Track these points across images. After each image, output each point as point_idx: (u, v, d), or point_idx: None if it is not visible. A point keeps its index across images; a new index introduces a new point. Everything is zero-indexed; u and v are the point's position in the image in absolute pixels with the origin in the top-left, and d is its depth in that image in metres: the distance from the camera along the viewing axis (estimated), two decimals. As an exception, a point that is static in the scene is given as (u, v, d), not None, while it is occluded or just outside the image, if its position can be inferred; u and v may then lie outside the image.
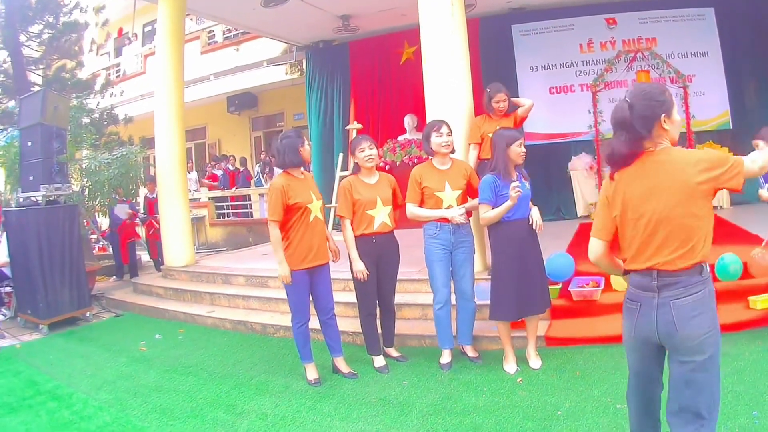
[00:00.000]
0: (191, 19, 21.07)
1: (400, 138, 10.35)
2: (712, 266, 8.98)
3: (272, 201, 7.35)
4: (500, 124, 8.95)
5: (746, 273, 9.10)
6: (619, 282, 9.06)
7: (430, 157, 7.87)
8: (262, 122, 27.28)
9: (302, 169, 7.71)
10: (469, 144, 9.44)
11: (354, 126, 14.14)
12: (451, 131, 7.78)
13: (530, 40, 18.33)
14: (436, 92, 9.81)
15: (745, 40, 16.81)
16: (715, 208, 15.78)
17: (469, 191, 7.81)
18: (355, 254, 7.69)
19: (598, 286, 9.06)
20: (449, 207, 7.58)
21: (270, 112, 26.72)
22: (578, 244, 12.13)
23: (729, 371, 6.59)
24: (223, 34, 24.39)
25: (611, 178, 3.99)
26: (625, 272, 4.05)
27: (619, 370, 6.79)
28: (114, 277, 16.22)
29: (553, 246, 10.66)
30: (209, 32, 24.83)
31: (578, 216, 17.27)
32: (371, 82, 19.26)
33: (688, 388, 3.79)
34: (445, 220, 7.53)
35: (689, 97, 16.97)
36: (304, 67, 21.01)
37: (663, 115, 3.82)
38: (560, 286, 9.31)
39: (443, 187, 7.60)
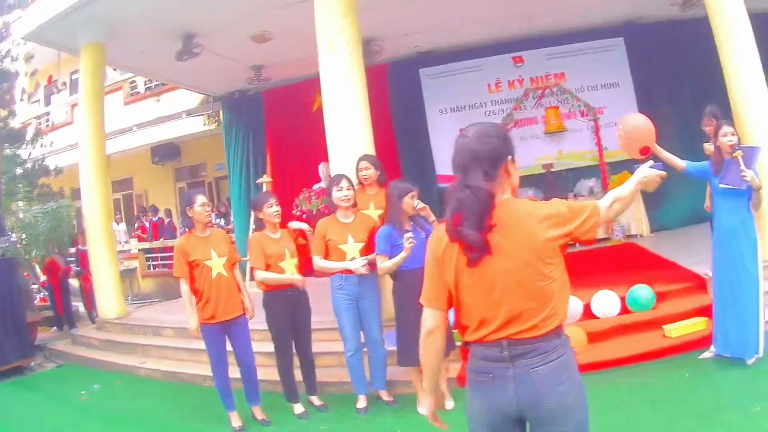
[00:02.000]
0: (114, 69, 21.40)
1: (315, 186, 10.84)
2: (587, 305, 9.77)
3: (175, 258, 7.84)
4: (372, 200, 8.95)
5: (659, 302, 9.66)
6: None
7: (336, 211, 8.24)
8: (185, 173, 27.42)
9: (210, 225, 8.22)
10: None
11: (264, 179, 14.61)
12: (351, 185, 8.22)
13: (438, 83, 18.94)
14: (337, 142, 10.36)
15: (656, 69, 17.47)
16: (634, 236, 16.28)
17: (372, 244, 8.01)
18: (287, 280, 8.05)
19: None
20: (352, 259, 7.90)
21: (193, 162, 26.69)
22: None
23: (644, 400, 7.24)
24: (145, 84, 24.41)
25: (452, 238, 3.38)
26: (465, 343, 3.55)
27: None
28: (55, 327, 16.46)
29: None
30: (131, 83, 24.93)
31: None
32: (286, 130, 19.59)
33: None
34: (349, 271, 7.86)
35: (600, 129, 17.58)
36: (221, 117, 21.45)
37: (509, 156, 3.47)
38: None
39: (346, 239, 7.97)
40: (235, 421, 7.97)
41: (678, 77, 17.08)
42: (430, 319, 3.53)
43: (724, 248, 8.10)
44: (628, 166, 16.72)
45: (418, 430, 7.05)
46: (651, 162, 3.85)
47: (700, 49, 11.09)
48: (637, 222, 17.07)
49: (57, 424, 8.83)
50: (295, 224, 8.75)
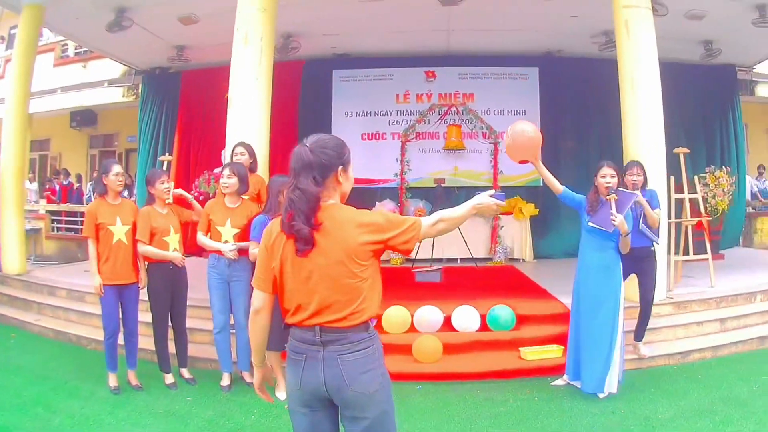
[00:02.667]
0: (50, 30, 21.08)
1: (216, 170, 11.35)
2: (448, 318, 10.23)
3: (85, 219, 8.43)
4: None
5: (520, 324, 10.14)
6: (390, 324, 10.06)
7: (224, 194, 8.76)
8: (99, 141, 27.25)
9: (122, 195, 8.74)
10: None
11: (166, 157, 14.57)
12: (234, 174, 8.65)
13: (350, 86, 19.32)
14: (235, 132, 10.80)
15: (566, 101, 18.08)
16: (516, 260, 16.78)
17: (248, 231, 8.51)
18: (167, 257, 8.49)
19: None
20: (226, 242, 8.44)
21: (107, 131, 26.54)
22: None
23: (488, 415, 7.63)
24: (75, 49, 24.16)
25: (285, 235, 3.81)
26: (286, 326, 3.95)
27: None
28: None
29: None
30: (63, 45, 24.65)
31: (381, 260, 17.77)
32: (197, 112, 19.65)
33: None
34: (221, 252, 8.40)
35: (499, 153, 17.92)
36: (139, 91, 21.38)
37: (340, 167, 3.89)
38: None
39: (225, 222, 8.50)
40: (112, 382, 8.44)
41: (586, 113, 17.68)
42: (257, 299, 3.96)
43: (586, 285, 8.41)
44: (520, 191, 17.82)
45: (272, 411, 7.56)
46: (492, 191, 4.34)
47: (612, 90, 11.45)
48: (521, 247, 17.56)
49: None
50: (179, 191, 9.32)
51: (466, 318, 10.19)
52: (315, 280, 3.73)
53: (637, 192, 8.70)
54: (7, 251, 14.42)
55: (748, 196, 20.71)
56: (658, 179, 10.52)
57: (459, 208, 4.20)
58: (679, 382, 8.61)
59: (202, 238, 8.62)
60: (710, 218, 13.36)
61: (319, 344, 3.73)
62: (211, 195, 12.64)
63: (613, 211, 7.91)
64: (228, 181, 8.61)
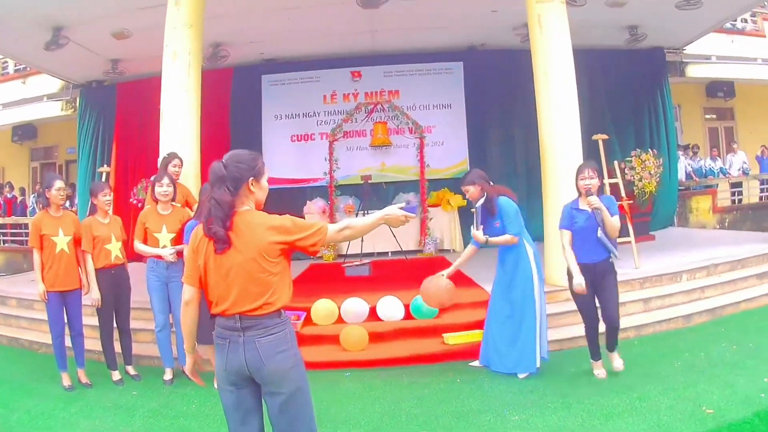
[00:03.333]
0: None
1: (153, 178, 11.73)
2: (373, 308, 10.82)
3: (30, 231, 9.04)
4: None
5: (443, 312, 10.55)
6: (318, 316, 10.64)
7: (154, 202, 9.38)
8: (40, 153, 27.32)
9: (63, 207, 9.20)
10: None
11: (104, 169, 15.12)
12: (171, 183, 9.34)
13: (278, 89, 20.04)
14: (168, 142, 11.28)
15: (491, 93, 18.61)
16: (447, 251, 17.38)
17: (182, 234, 9.13)
18: (94, 284, 9.08)
19: (299, 319, 10.48)
20: (164, 247, 9.04)
21: (48, 144, 26.65)
22: (301, 282, 13.70)
23: (411, 397, 8.08)
24: (15, 66, 24.40)
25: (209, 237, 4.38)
26: (212, 315, 4.49)
27: (312, 392, 8.04)
28: None
29: None
30: (3, 63, 24.91)
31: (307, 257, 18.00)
32: (133, 122, 19.81)
33: (283, 417, 4.34)
34: (160, 257, 9.00)
35: (425, 147, 18.55)
36: (77, 104, 21.67)
37: (251, 178, 4.43)
38: None
39: (161, 229, 9.09)
40: (66, 381, 9.01)
41: (511, 103, 18.02)
42: (187, 293, 4.53)
43: (501, 274, 9.06)
44: (447, 183, 18.32)
45: (211, 400, 8.10)
46: (404, 204, 4.77)
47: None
48: (450, 238, 18.06)
49: None
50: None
51: (391, 308, 10.74)
52: (233, 276, 4.30)
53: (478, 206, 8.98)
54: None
55: (682, 176, 21.15)
56: (575, 168, 10.76)
57: (367, 218, 4.71)
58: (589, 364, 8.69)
59: (140, 246, 9.13)
60: (631, 201, 13.78)
61: (240, 330, 4.30)
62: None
63: (473, 227, 9.09)
64: (167, 189, 9.20)
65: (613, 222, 8.03)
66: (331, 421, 7.36)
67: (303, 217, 17.10)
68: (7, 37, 15.75)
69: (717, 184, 21.53)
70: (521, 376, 8.58)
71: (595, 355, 8.52)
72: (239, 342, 4.31)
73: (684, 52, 20.79)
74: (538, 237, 10.62)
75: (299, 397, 4.40)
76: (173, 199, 9.50)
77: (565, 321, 10.49)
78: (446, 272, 9.15)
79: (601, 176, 8.78)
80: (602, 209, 7.99)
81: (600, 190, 8.51)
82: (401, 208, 4.67)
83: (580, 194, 8.32)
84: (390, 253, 17.64)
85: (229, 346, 4.35)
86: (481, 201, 8.94)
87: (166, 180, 9.28)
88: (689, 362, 8.62)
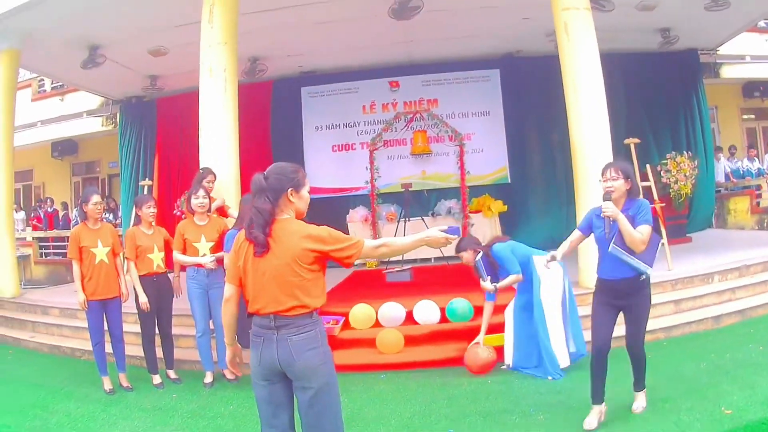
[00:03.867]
0: (27, 70, 21.05)
1: (188, 191, 11.93)
2: (410, 312, 10.89)
3: (69, 243, 9.33)
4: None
5: (477, 315, 10.43)
6: (356, 320, 10.78)
7: (191, 214, 9.74)
8: (82, 168, 27.56)
9: (101, 220, 9.59)
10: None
11: (147, 182, 15.42)
12: (207, 195, 9.70)
13: (317, 101, 20.14)
14: (208, 156, 11.59)
15: (528, 99, 18.45)
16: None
17: (222, 242, 9.53)
18: (140, 289, 9.38)
19: (338, 324, 10.63)
20: (204, 255, 9.39)
21: (89, 158, 27.47)
22: (343, 288, 13.86)
23: (442, 397, 8.28)
24: (52, 83, 24.52)
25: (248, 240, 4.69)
26: (249, 314, 4.79)
27: (347, 393, 8.37)
28: None
29: None
30: (40, 81, 25.10)
31: (354, 264, 18.04)
32: (174, 136, 20.27)
33: (311, 410, 4.58)
34: (201, 265, 9.36)
35: (465, 155, 18.56)
36: (117, 119, 22.22)
37: (290, 189, 4.71)
38: None
39: (200, 239, 9.45)
40: (107, 385, 9.33)
41: (549, 109, 17.37)
42: (228, 290, 4.88)
43: (526, 289, 9.21)
44: (488, 190, 18.25)
45: (249, 402, 8.26)
46: (446, 227, 4.93)
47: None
48: None
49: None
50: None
51: (427, 311, 10.82)
52: (268, 278, 4.58)
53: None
54: (2, 277, 15.16)
55: (720, 178, 20.92)
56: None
57: (407, 238, 4.95)
58: (628, 362, 8.16)
59: (179, 256, 9.49)
60: (664, 204, 13.57)
61: (274, 328, 4.59)
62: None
63: (482, 282, 9.27)
64: (203, 201, 9.57)
65: (633, 234, 6.51)
66: (363, 419, 7.60)
67: (346, 226, 18.00)
68: (44, 56, 16.12)
69: (758, 185, 21.07)
70: (550, 378, 8.71)
71: (596, 396, 7.05)
72: (273, 339, 4.60)
73: (718, 52, 20.56)
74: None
75: (327, 392, 4.64)
76: (209, 210, 9.83)
77: None
78: (479, 339, 9.43)
79: (631, 178, 6.82)
80: (618, 218, 6.54)
81: (631, 194, 6.83)
82: (443, 230, 4.84)
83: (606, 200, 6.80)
84: (432, 259, 17.63)
85: (264, 342, 4.65)
86: (480, 256, 9.28)
87: (201, 192, 9.64)
88: (715, 363, 8.57)
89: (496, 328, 9.91)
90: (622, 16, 15.09)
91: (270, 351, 4.62)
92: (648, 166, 13.36)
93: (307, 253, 4.59)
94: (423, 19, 14.36)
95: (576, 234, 7.38)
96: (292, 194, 4.73)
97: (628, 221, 6.57)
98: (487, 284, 9.11)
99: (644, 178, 12.90)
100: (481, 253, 9.28)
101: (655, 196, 13.09)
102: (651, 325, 8.98)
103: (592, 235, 7.10)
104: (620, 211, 6.65)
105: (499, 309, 9.83)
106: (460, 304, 10.63)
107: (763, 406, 6.75)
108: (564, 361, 8.89)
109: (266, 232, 4.61)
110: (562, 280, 9.14)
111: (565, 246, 7.48)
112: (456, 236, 4.90)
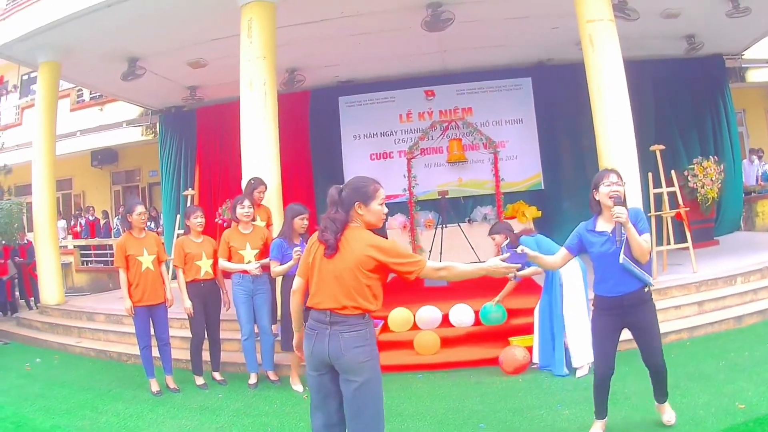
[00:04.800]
0: (67, 82, 20.89)
1: (235, 200, 12.21)
2: (446, 315, 11.28)
3: (116, 252, 9.77)
4: (258, 213, 10.98)
5: (512, 317, 10.88)
6: (395, 323, 11.26)
7: (235, 223, 10.20)
8: (122, 177, 27.89)
9: (146, 229, 10.06)
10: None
11: (190, 192, 15.93)
12: (252, 205, 10.21)
13: (355, 110, 20.38)
14: (250, 166, 11.97)
15: (560, 106, 18.56)
16: None
17: (266, 251, 9.94)
18: (186, 295, 9.86)
19: (377, 327, 10.64)
20: (249, 262, 9.82)
21: (129, 167, 27.91)
22: (386, 292, 14.10)
23: (475, 395, 8.68)
24: (90, 93, 24.88)
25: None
26: (307, 307, 5.24)
27: (386, 391, 8.24)
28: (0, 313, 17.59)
29: None
30: (78, 91, 25.45)
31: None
32: (214, 145, 20.75)
33: (354, 402, 4.95)
34: (246, 271, 9.76)
35: (500, 162, 18.70)
36: (157, 129, 22.67)
37: (358, 202, 5.05)
38: None
39: (245, 246, 9.90)
40: (154, 387, 9.78)
41: (581, 116, 16.73)
42: (296, 282, 5.40)
43: (546, 291, 9.71)
44: (522, 196, 18.35)
45: (291, 401, 9.05)
46: (507, 254, 5.17)
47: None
48: None
49: (6, 387, 10.56)
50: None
51: (462, 314, 11.19)
52: (331, 277, 5.00)
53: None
54: (45, 284, 15.67)
55: (747, 181, 20.78)
56: (632, 180, 11.07)
57: (469, 266, 5.30)
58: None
59: (225, 263, 9.91)
60: (688, 209, 13.70)
61: (328, 324, 4.99)
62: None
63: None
64: (249, 210, 10.06)
65: (641, 243, 6.28)
66: (400, 415, 8.05)
67: (386, 232, 17.61)
68: (83, 69, 16.59)
69: None
70: (578, 376, 9.02)
71: (599, 410, 6.92)
72: (325, 334, 4.98)
73: (743, 57, 20.48)
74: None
75: (370, 387, 4.99)
76: (254, 219, 10.34)
77: None
78: (493, 301, 10.52)
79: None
80: (627, 226, 6.26)
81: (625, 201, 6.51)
82: (503, 260, 5.19)
83: (596, 212, 6.76)
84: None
85: (317, 336, 5.04)
86: (506, 243, 9.75)
87: (247, 202, 10.12)
88: (733, 361, 8.78)
89: (527, 329, 10.29)
90: (648, 24, 15.24)
91: (321, 344, 5.00)
92: (673, 171, 13.32)
93: (369, 260, 4.95)
94: (455, 29, 14.53)
95: (562, 253, 7.07)
96: (359, 207, 5.08)
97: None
98: (528, 250, 8.93)
99: (669, 183, 13.06)
100: (508, 239, 9.75)
101: (680, 201, 13.33)
102: (676, 325, 9.89)
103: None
104: None
105: (529, 312, 10.19)
106: (492, 308, 10.82)
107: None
108: (579, 360, 9.20)
109: (337, 237, 5.02)
110: (582, 281, 9.43)
111: (539, 267, 7.89)
112: (518, 264, 5.19)
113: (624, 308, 6.54)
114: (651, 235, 6.79)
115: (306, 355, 5.23)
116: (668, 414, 6.88)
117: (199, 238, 10.21)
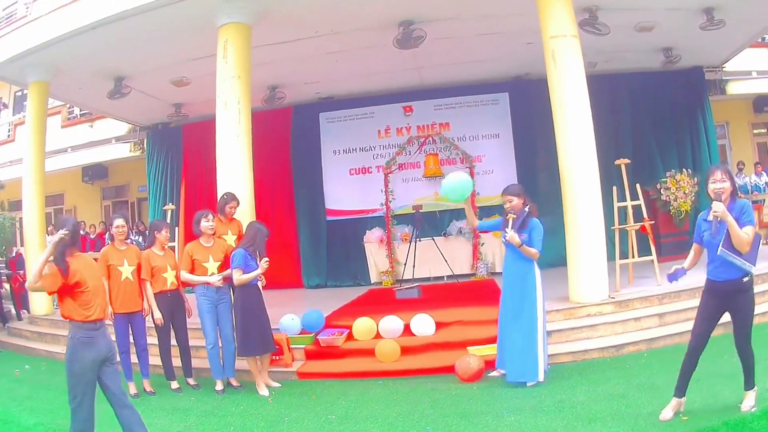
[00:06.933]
0: (56, 99, 21.63)
1: (198, 214, 12.55)
2: (407, 325, 11.74)
3: (99, 261, 10.09)
4: (230, 227, 11.39)
5: (473, 326, 11.31)
6: (359, 332, 11.71)
7: (198, 236, 10.64)
8: (112, 192, 28.15)
9: (126, 242, 10.65)
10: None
11: (169, 207, 16.34)
12: (214, 218, 10.72)
13: (335, 126, 20.71)
14: (225, 183, 12.43)
15: (537, 120, 18.23)
16: (499, 274, 17.21)
17: (227, 262, 10.40)
18: (155, 306, 10.39)
19: (342, 335, 11.58)
20: (212, 274, 10.31)
21: (119, 183, 28.07)
22: (356, 304, 14.70)
23: (428, 401, 9.05)
24: (80, 110, 25.26)
25: None
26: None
27: (345, 396, 9.43)
28: None
29: (336, 305, 13.84)
30: (69, 108, 25.78)
31: (371, 282, 19.26)
32: (200, 161, 20.90)
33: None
34: (209, 283, 10.24)
35: (476, 176, 18.87)
36: (145, 145, 23.14)
37: None
38: (313, 335, 11.80)
39: (208, 259, 10.37)
40: (132, 389, 10.33)
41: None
42: None
43: (508, 290, 9.71)
44: (498, 210, 17.56)
45: (257, 404, 9.52)
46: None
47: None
48: (501, 260, 16.94)
49: (-4, 391, 11.02)
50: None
51: (423, 324, 11.66)
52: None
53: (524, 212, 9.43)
54: (35, 296, 16.09)
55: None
56: (591, 193, 11.61)
57: None
58: (605, 371, 9.48)
59: (188, 275, 10.38)
60: (653, 222, 13.98)
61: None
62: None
63: (508, 228, 9.38)
64: (212, 224, 10.62)
65: (740, 235, 6.69)
66: (355, 418, 8.49)
67: (363, 247, 19.06)
68: (71, 87, 17.12)
69: (764, 200, 20.59)
70: (529, 384, 9.18)
71: (680, 387, 7.35)
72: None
73: (724, 69, 20.76)
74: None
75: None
76: (225, 233, 11.06)
77: (579, 335, 11.12)
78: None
79: (733, 180, 6.90)
80: (726, 219, 6.68)
81: (733, 196, 6.98)
82: None
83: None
84: (445, 278, 18.07)
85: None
86: (527, 210, 9.53)
87: (211, 215, 10.66)
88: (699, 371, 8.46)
89: (490, 340, 10.57)
90: (622, 37, 15.61)
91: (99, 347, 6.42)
92: (637, 185, 13.54)
93: None
94: (428, 46, 14.91)
95: (694, 247, 7.47)
96: None
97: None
98: (515, 235, 9.26)
99: (635, 197, 13.28)
100: (528, 209, 9.53)
101: (644, 215, 13.52)
102: (633, 337, 10.33)
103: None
104: None
105: (492, 322, 10.56)
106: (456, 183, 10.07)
107: (719, 414, 7.18)
108: (542, 372, 9.30)
109: None
110: (543, 292, 9.55)
111: (688, 260, 7.63)
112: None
113: (725, 293, 7.02)
114: (754, 227, 6.86)
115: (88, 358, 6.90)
116: (747, 401, 7.19)
117: (162, 251, 10.71)
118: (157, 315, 10.35)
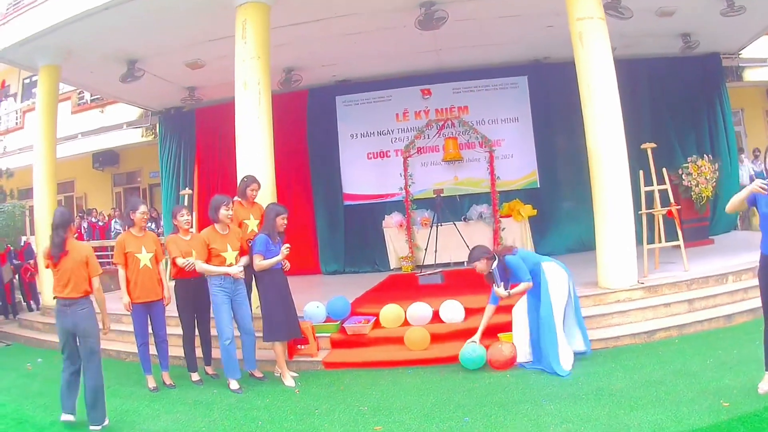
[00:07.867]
0: (67, 84, 20.95)
1: (236, 198, 12.35)
2: (437, 312, 11.46)
3: (115, 249, 9.94)
4: (251, 211, 11.10)
5: (497, 313, 10.47)
6: (386, 320, 11.35)
7: (214, 223, 10.09)
8: (123, 178, 28.80)
9: (146, 228, 10.24)
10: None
11: (186, 191, 15.97)
12: (232, 207, 10.24)
13: (352, 109, 20.49)
14: (245, 164, 12.23)
15: (556, 104, 18.58)
16: None
17: (244, 250, 10.15)
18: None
19: (368, 323, 11.25)
20: (230, 264, 9.81)
21: (130, 169, 28.11)
22: (378, 290, 14.40)
23: (462, 390, 8.81)
24: (91, 96, 25.13)
25: None
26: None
27: (375, 386, 9.18)
28: (1, 316, 17.79)
29: (357, 292, 13.77)
30: (79, 94, 25.62)
31: (390, 268, 18.92)
32: (213, 145, 20.87)
33: None
34: (229, 274, 9.73)
35: (495, 160, 18.72)
36: (157, 130, 22.89)
37: None
38: (339, 323, 11.43)
39: (226, 248, 9.86)
40: (151, 383, 9.96)
41: (574, 114, 15.74)
42: None
43: (531, 293, 9.66)
44: (518, 195, 18.41)
45: (284, 395, 9.23)
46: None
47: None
48: (522, 246, 17.47)
49: (8, 386, 10.80)
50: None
51: (452, 311, 11.32)
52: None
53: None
54: (47, 286, 15.41)
55: (745, 180, 20.38)
56: (620, 175, 11.38)
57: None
58: (639, 358, 9.29)
59: (204, 266, 9.79)
60: (680, 207, 13.87)
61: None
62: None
63: (496, 288, 9.62)
64: (230, 212, 10.13)
65: None
66: (389, 408, 8.21)
67: (382, 232, 19.34)
68: (82, 71, 16.83)
69: None
70: (563, 373, 9.03)
71: None
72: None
73: (740, 56, 20.65)
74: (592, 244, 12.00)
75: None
76: (247, 218, 10.80)
77: (611, 321, 10.87)
78: (475, 338, 9.92)
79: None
80: None
81: None
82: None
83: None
84: (465, 263, 17.67)
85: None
86: (495, 264, 9.66)
87: (231, 203, 10.24)
88: (721, 359, 8.78)
89: (505, 327, 10.40)
90: (643, 22, 15.38)
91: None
92: (664, 169, 13.29)
93: None
94: (449, 28, 14.64)
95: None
96: None
97: None
98: (500, 290, 9.53)
99: (661, 181, 13.04)
100: (497, 260, 9.68)
101: (671, 200, 13.43)
102: (664, 323, 10.19)
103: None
104: None
105: (506, 309, 10.30)
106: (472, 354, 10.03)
107: (761, 398, 7.02)
108: (567, 363, 9.22)
109: None
110: (567, 284, 9.62)
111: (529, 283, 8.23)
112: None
113: None
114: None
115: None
116: (762, 384, 7.18)
117: (188, 236, 10.35)
118: (126, 299, 9.91)
